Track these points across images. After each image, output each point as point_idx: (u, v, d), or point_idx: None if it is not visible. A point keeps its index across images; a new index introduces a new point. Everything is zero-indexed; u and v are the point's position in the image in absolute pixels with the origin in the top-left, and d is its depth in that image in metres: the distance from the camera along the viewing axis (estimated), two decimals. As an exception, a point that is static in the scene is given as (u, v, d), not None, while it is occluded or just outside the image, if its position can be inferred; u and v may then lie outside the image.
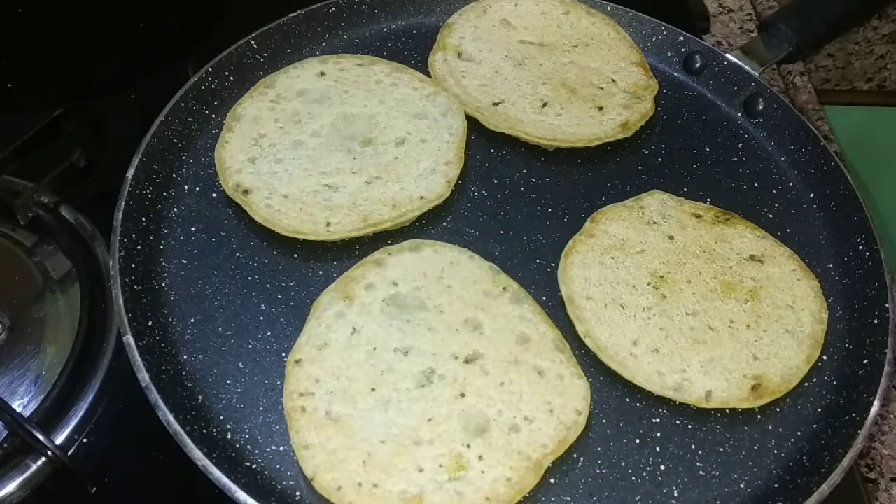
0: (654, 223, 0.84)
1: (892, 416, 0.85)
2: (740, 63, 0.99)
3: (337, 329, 0.72)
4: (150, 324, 0.72)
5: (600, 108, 0.93)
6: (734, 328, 0.76)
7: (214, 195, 0.84)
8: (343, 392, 0.68)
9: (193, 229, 0.81)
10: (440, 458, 0.65)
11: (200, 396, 0.70)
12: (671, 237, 0.83)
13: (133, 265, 0.75)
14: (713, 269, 0.81)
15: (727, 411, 0.73)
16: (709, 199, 0.89)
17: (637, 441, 0.71)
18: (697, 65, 1.02)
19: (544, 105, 0.93)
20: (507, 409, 0.68)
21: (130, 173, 0.79)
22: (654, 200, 0.86)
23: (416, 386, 0.69)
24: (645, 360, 0.73)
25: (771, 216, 0.89)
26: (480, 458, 0.65)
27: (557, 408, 0.69)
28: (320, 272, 0.79)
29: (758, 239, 0.84)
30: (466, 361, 0.71)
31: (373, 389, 0.68)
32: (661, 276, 0.79)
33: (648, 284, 0.79)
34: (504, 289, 0.76)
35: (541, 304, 0.76)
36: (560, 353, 0.72)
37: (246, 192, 0.81)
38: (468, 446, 0.66)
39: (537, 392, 0.70)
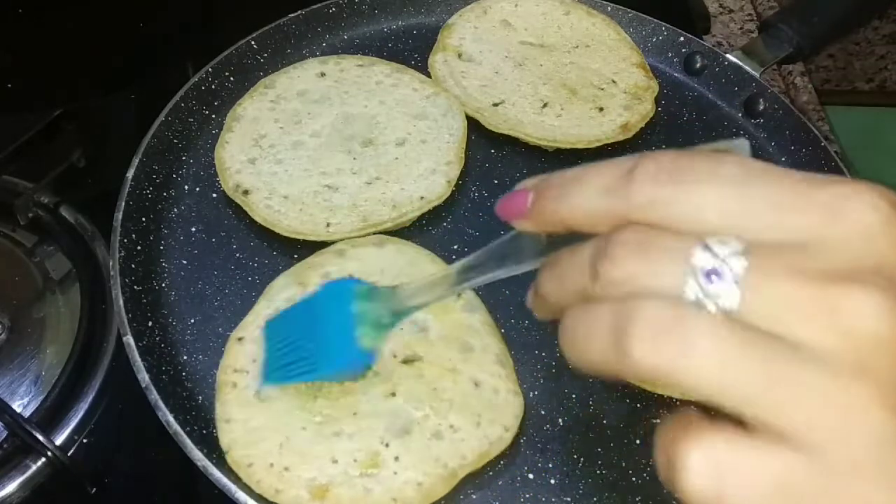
0: None
1: (892, 417, 0.85)
2: (741, 63, 0.99)
3: None
4: (150, 324, 0.72)
5: (601, 109, 0.93)
6: None
7: (214, 195, 0.84)
8: None
9: (193, 229, 0.81)
10: (357, 452, 0.64)
11: (200, 397, 0.69)
12: None
13: (133, 265, 0.75)
14: None
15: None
16: (709, 200, 0.89)
17: (637, 442, 0.71)
18: (698, 65, 1.02)
19: (545, 106, 0.93)
20: (434, 414, 0.67)
21: (130, 173, 0.79)
22: None
23: None
24: None
25: (771, 217, 0.89)
26: (396, 458, 0.64)
27: (485, 421, 0.67)
28: (320, 272, 0.79)
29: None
30: (404, 362, 0.69)
31: None
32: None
33: None
34: (459, 296, 0.74)
35: (541, 305, 0.76)
36: (501, 368, 0.70)
37: (246, 192, 0.81)
38: (387, 445, 0.65)
39: (469, 403, 0.68)
